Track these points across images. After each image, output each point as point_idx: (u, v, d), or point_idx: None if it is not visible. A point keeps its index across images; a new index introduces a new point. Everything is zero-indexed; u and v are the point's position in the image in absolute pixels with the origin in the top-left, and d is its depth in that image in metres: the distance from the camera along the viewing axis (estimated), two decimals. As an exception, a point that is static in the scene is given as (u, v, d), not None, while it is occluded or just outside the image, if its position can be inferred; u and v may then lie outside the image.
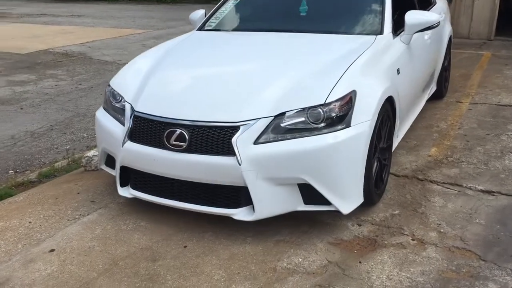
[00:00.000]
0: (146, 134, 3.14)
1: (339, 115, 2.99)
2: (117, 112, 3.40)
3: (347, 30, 3.97)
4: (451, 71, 6.67)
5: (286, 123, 2.95)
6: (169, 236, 3.14)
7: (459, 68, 7.70)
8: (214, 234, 3.15)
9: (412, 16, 3.96)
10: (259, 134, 2.91)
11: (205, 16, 4.65)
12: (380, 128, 3.38)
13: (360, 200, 3.15)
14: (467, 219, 3.31)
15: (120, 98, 3.41)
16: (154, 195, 3.20)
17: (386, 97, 3.36)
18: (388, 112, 3.50)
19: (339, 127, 2.98)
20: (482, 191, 3.72)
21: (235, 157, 2.87)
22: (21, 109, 6.31)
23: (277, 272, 2.77)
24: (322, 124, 2.96)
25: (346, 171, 2.99)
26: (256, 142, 2.90)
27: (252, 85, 3.17)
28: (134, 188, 3.30)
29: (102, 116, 3.52)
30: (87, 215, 3.42)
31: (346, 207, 3.05)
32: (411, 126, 4.90)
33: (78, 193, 3.78)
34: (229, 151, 2.90)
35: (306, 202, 3.05)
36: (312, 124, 2.95)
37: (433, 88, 5.55)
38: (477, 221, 3.30)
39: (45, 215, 3.44)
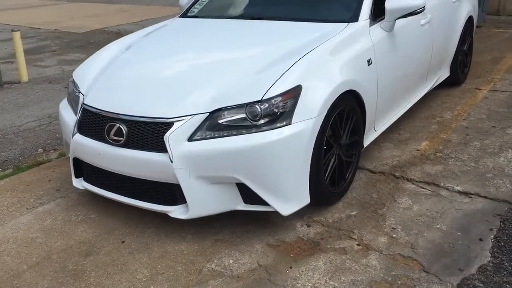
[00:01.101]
0: (91, 127, 3.14)
1: (279, 112, 2.84)
2: (74, 103, 3.41)
3: (321, 17, 3.74)
4: (483, 54, 6.20)
5: (224, 119, 2.84)
6: (112, 230, 3.14)
7: (493, 51, 7.16)
8: (157, 229, 3.12)
9: (393, 1, 3.67)
10: (194, 131, 2.82)
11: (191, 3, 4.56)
12: (337, 124, 3.18)
13: (305, 201, 2.99)
14: (428, 224, 3.08)
15: (78, 89, 3.42)
16: (101, 188, 3.20)
17: (344, 91, 3.15)
18: (351, 106, 3.29)
19: (279, 124, 2.83)
20: (459, 192, 3.45)
21: (168, 154, 2.81)
22: (65, 88, 6.49)
23: (201, 274, 2.71)
24: (262, 121, 2.82)
25: (285, 171, 2.84)
26: (190, 139, 2.81)
27: (195, 79, 3.06)
28: (85, 180, 3.31)
29: (63, 107, 3.55)
30: (46, 204, 3.49)
31: (286, 209, 2.91)
32: (410, 116, 4.64)
33: (49, 180, 3.86)
34: (163, 147, 2.83)
35: (246, 201, 2.94)
36: (252, 121, 2.82)
37: (443, 75, 5.18)
38: (438, 226, 3.06)
39: (9, 203, 3.54)
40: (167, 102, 2.93)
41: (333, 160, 3.23)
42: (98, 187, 3.22)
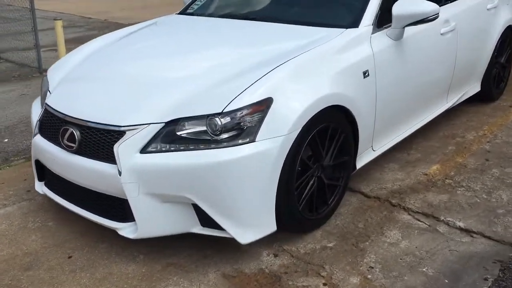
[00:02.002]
0: (49, 129, 2.92)
1: (241, 127, 2.50)
2: (43, 102, 3.20)
3: (319, 20, 3.35)
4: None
5: (183, 131, 2.53)
6: (64, 242, 2.90)
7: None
8: (110, 245, 2.86)
9: (401, 7, 3.24)
10: (147, 142, 2.53)
11: (193, -1, 4.27)
12: (318, 143, 2.81)
13: (270, 229, 2.65)
14: (412, 266, 2.66)
15: (47, 87, 3.21)
16: (57, 195, 2.98)
17: (328, 106, 2.77)
18: (337, 123, 2.90)
19: (240, 141, 2.50)
20: (460, 228, 2.99)
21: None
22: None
23: (139, 304, 2.42)
24: (223, 136, 2.50)
25: (245, 195, 2.51)
26: (143, 151, 2.52)
27: (158, 85, 2.76)
28: (46, 184, 3.10)
29: (35, 105, 3.35)
30: (9, 206, 3.31)
31: (245, 236, 2.57)
32: (426, 134, 4.18)
33: (25, 179, 3.69)
34: (114, 158, 2.56)
35: (203, 224, 2.63)
36: (212, 136, 2.50)
37: (471, 90, 4.66)
38: (424, 269, 2.64)
39: (-25, 201, 3.38)
40: (122, 109, 2.65)
41: (311, 183, 2.85)
42: (55, 193, 2.99)
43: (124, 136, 2.54)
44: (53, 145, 2.85)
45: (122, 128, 2.55)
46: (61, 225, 3.06)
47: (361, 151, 3.22)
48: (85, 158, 2.67)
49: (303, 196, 2.81)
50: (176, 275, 2.61)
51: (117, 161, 2.51)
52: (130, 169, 2.50)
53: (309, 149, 2.80)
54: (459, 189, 3.44)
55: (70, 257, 2.78)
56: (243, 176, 2.48)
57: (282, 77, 2.66)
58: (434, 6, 3.23)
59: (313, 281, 2.56)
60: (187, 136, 2.53)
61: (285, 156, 2.57)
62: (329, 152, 2.94)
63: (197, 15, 3.93)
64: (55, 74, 3.28)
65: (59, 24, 7.00)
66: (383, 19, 3.31)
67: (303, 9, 3.54)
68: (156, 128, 2.53)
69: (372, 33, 3.22)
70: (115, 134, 2.57)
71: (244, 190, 2.50)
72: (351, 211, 3.19)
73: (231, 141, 2.49)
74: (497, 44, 4.78)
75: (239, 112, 2.50)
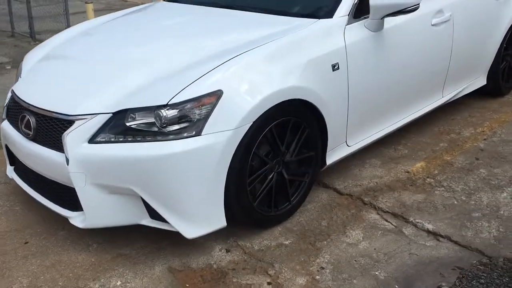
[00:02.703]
0: (13, 115, 2.96)
1: (189, 120, 2.45)
2: None
3: (294, 10, 3.24)
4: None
5: (132, 122, 2.51)
6: (25, 227, 2.94)
7: None
8: (68, 233, 2.88)
9: (379, -3, 3.08)
10: (95, 132, 2.52)
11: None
12: (275, 138, 2.73)
13: (220, 224, 2.60)
14: (365, 268, 2.56)
15: (20, 73, 3.24)
16: (22, 180, 3.02)
17: (286, 100, 2.68)
18: (300, 117, 2.81)
19: (186, 134, 2.45)
20: (427, 231, 2.86)
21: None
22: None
23: (78, 294, 2.42)
24: (171, 129, 2.45)
25: (190, 190, 2.46)
26: (91, 140, 2.51)
27: (111, 75, 2.74)
28: (15, 169, 3.14)
29: (11, 90, 3.39)
30: (-18, 190, 3.37)
31: (191, 231, 2.53)
32: (420, 129, 4.03)
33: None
34: (63, 147, 2.56)
35: (153, 216, 2.60)
36: (160, 128, 2.46)
37: (474, 84, 4.43)
38: (376, 273, 2.54)
39: (-46, 183, 3.47)
40: (73, 97, 2.65)
41: (270, 178, 2.78)
42: (21, 178, 3.03)
43: (73, 125, 2.53)
44: (15, 131, 2.88)
45: (71, 117, 2.55)
46: (27, 211, 3.10)
47: (332, 147, 3.11)
48: (40, 146, 2.69)
49: (260, 192, 2.74)
50: (123, 267, 2.60)
51: (65, 150, 2.51)
52: (77, 159, 2.49)
53: (266, 143, 2.72)
54: (438, 189, 3.29)
55: (26, 242, 2.81)
56: (187, 170, 2.43)
57: (236, 69, 2.59)
58: (414, -4, 3.06)
59: (258, 280, 2.50)
60: (136, 128, 2.50)
61: (233, 151, 2.50)
62: (291, 147, 2.85)
63: (182, 2, 3.86)
64: (30, 60, 3.31)
65: (90, 8, 7.14)
66: (362, 10, 3.17)
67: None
68: (104, 118, 2.51)
69: (348, 24, 3.08)
70: (65, 122, 2.57)
71: (189, 185, 2.45)
72: (318, 208, 3.10)
73: (178, 134, 2.45)
74: (506, 35, 4.52)
75: (186, 105, 2.44)
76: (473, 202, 3.13)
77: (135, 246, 2.76)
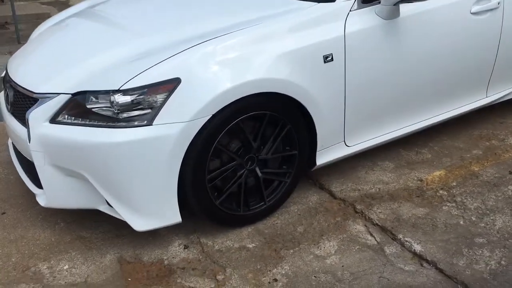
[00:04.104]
0: (4, 88, 3.00)
1: (142, 108, 2.32)
2: None
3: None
4: None
5: (92, 105, 2.42)
6: (8, 198, 3.02)
7: None
8: (43, 209, 2.87)
9: (391, -22, 2.70)
10: (55, 112, 2.46)
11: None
12: (245, 133, 2.52)
13: (173, 220, 2.46)
14: (321, 287, 2.31)
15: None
16: (14, 151, 3.07)
17: (259, 92, 2.45)
18: (277, 112, 2.57)
19: (137, 123, 2.32)
20: (413, 253, 2.52)
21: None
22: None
23: (23, 274, 2.42)
24: (124, 116, 2.34)
25: (137, 181, 2.34)
26: (52, 120, 2.47)
27: (79, 56, 2.64)
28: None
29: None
30: (-8, 155, 3.51)
31: (140, 224, 2.43)
32: (457, 130, 3.61)
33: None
34: (29, 124, 2.55)
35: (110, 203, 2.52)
36: (115, 114, 2.35)
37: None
38: (331, 295, 2.27)
39: (-28, 146, 3.65)
40: (42, 76, 2.61)
41: (239, 175, 2.58)
42: (13, 149, 3.10)
43: (36, 103, 2.50)
44: (5, 103, 2.93)
45: (35, 95, 2.52)
46: (20, 181, 3.16)
47: (323, 146, 2.82)
48: (15, 120, 2.70)
49: (225, 189, 2.56)
50: (77, 250, 2.57)
51: (27, 128, 2.49)
52: (37, 137, 2.46)
53: (237, 138, 2.52)
54: (448, 204, 2.88)
55: (3, 213, 2.88)
56: (135, 161, 2.31)
57: (200, 56, 2.39)
58: (432, -19, 2.64)
59: (203, 284, 2.34)
60: (96, 111, 2.41)
61: (187, 145, 2.33)
62: (267, 144, 2.62)
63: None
64: (37, 31, 3.35)
65: None
66: (382, -6, 2.80)
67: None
68: (64, 99, 2.45)
69: (352, 9, 2.74)
70: (30, 100, 2.55)
71: (137, 176, 2.33)
72: (301, 211, 2.85)
73: (129, 122, 2.33)
74: None
75: (139, 91, 2.31)
76: (482, 225, 2.70)
77: (97, 230, 2.71)
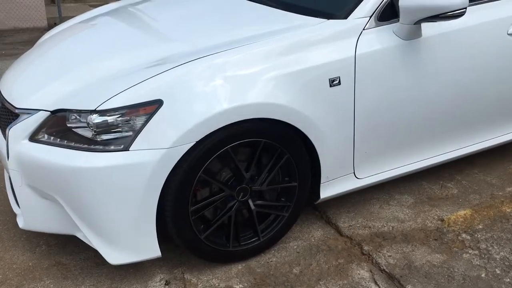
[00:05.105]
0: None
1: (119, 131, 2.11)
2: None
3: (309, 6, 2.67)
4: None
5: (72, 124, 2.24)
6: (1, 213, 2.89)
7: None
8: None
9: (412, -5, 2.39)
10: (35, 130, 2.29)
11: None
12: (235, 162, 2.27)
13: (152, 253, 2.24)
14: None
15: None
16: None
17: (252, 118, 2.20)
18: (274, 140, 2.31)
19: (113, 147, 2.12)
20: (420, 310, 2.19)
21: (8, 148, 2.37)
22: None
23: (-10, 301, 2.26)
24: (103, 138, 2.14)
25: (112, 212, 2.13)
26: (31, 138, 2.30)
27: (67, 72, 2.45)
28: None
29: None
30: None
31: (114, 257, 2.21)
32: (488, 165, 3.21)
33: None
34: (11, 140, 2.40)
35: (87, 231, 2.33)
36: (94, 135, 2.16)
37: None
38: None
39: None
40: (26, 90, 2.45)
41: (229, 207, 2.34)
42: (6, 163, 2.97)
43: (17, 119, 2.34)
44: None
45: (17, 110, 2.36)
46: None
47: (329, 177, 2.54)
48: (0, 135, 2.56)
49: (213, 222, 2.32)
50: (52, 279, 2.39)
51: (6, 144, 2.34)
52: (15, 155, 2.30)
53: (226, 166, 2.28)
54: (470, 251, 2.53)
55: (-12, 230, 2.74)
56: (109, 188, 2.10)
57: (186, 77, 2.16)
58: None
59: (176, 329, 2.10)
60: (76, 131, 2.22)
61: (167, 174, 2.11)
62: (263, 175, 2.36)
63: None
64: (39, 42, 3.22)
65: None
66: (395, 11, 2.50)
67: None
68: (43, 116, 2.27)
69: (367, 27, 2.45)
70: (13, 115, 2.39)
71: (111, 205, 2.13)
72: (301, 248, 2.57)
73: (106, 146, 2.12)
74: None
75: (115, 113, 2.10)
76: (507, 280, 2.34)
77: (77, 257, 2.53)
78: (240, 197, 2.35)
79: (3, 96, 2.54)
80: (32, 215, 2.37)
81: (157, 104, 2.10)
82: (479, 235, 2.64)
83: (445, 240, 2.61)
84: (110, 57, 2.46)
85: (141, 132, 2.08)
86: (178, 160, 2.11)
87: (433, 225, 2.73)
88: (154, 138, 2.08)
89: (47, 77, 2.46)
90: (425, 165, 2.82)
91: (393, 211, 2.85)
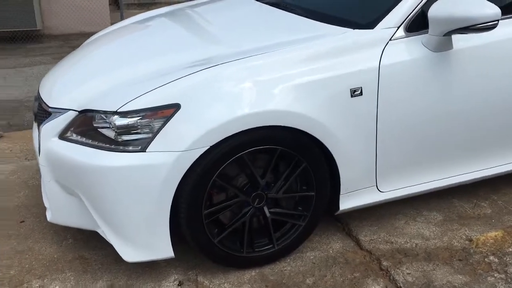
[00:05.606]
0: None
1: (139, 132, 2.19)
2: None
3: (338, 15, 2.65)
4: None
5: (98, 124, 2.34)
6: (33, 206, 3.03)
7: None
8: (58, 221, 2.87)
9: (442, 6, 2.33)
10: (64, 128, 2.41)
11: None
12: (251, 168, 2.29)
13: (165, 254, 2.29)
14: None
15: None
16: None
17: (269, 125, 2.21)
18: (291, 148, 2.31)
19: (131, 148, 2.19)
20: (433, 331, 2.12)
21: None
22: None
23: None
24: (124, 139, 2.22)
25: (127, 210, 2.20)
26: (60, 136, 2.42)
27: (99, 73, 2.57)
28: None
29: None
30: (29, 160, 3.59)
31: (129, 254, 2.28)
32: None
33: (11, 151, 3.87)
34: (42, 137, 2.53)
35: (106, 227, 2.42)
36: (116, 136, 2.25)
37: None
38: None
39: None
40: (60, 90, 2.58)
41: (244, 213, 2.36)
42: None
43: (49, 117, 2.47)
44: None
45: (50, 109, 2.49)
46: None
47: (349, 189, 2.50)
48: (36, 131, 2.70)
49: (227, 226, 2.35)
50: (73, 271, 2.49)
51: (39, 141, 2.47)
52: (46, 152, 2.42)
53: (243, 172, 2.31)
54: (496, 275, 2.41)
55: (22, 221, 2.89)
56: (126, 187, 2.17)
57: (205, 82, 2.20)
58: (492, 10, 2.23)
59: (182, 330, 2.14)
60: (101, 131, 2.32)
61: (181, 177, 2.15)
62: (279, 182, 2.36)
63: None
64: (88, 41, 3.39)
65: None
66: (425, 22, 2.44)
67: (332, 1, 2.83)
68: (72, 115, 2.39)
69: (394, 38, 2.40)
70: (46, 113, 2.52)
71: (128, 205, 2.19)
72: (318, 259, 2.54)
73: (125, 146, 2.20)
74: None
75: (135, 115, 2.17)
76: (532, 308, 2.21)
77: (100, 252, 2.62)
78: (255, 203, 2.36)
79: (40, 96, 2.67)
80: (58, 209, 2.48)
81: (175, 107, 2.15)
82: (509, 259, 2.52)
83: (471, 261, 2.51)
84: (150, 58, 2.55)
85: (158, 134, 2.14)
86: (192, 163, 2.14)
87: (459, 244, 2.63)
88: (170, 141, 2.13)
89: (83, 78, 2.58)
90: (455, 182, 2.72)
91: (419, 228, 2.76)
